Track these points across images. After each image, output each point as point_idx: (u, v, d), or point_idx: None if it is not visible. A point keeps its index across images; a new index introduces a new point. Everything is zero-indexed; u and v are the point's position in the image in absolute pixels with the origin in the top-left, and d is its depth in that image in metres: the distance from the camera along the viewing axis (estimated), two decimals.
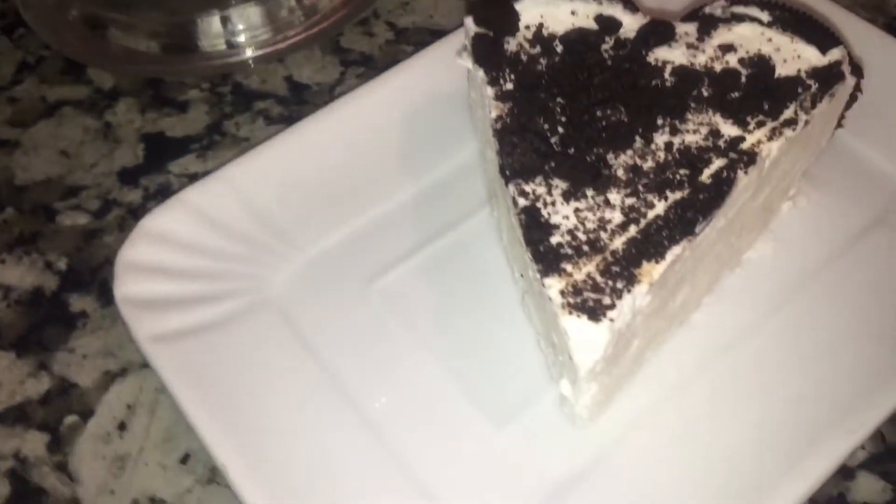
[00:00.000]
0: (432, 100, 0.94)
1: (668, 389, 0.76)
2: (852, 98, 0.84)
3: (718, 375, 0.77)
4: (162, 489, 0.76)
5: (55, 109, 1.03)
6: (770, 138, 0.74)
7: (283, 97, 1.04)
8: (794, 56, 0.79)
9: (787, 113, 0.75)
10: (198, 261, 0.84)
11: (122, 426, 0.80)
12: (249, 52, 1.07)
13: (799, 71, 0.78)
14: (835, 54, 0.78)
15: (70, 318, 0.86)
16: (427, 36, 1.05)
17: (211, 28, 1.07)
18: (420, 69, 0.93)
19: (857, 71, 0.79)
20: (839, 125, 0.87)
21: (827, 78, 0.77)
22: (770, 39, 0.80)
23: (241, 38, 1.08)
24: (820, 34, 0.80)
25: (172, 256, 0.83)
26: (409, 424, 0.74)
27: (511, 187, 0.70)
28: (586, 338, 0.62)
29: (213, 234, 0.85)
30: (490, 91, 0.77)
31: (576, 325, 0.62)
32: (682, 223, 0.68)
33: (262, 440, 0.74)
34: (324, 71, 1.07)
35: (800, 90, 0.76)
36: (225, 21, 1.07)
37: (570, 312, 0.62)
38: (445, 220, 0.89)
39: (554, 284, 0.65)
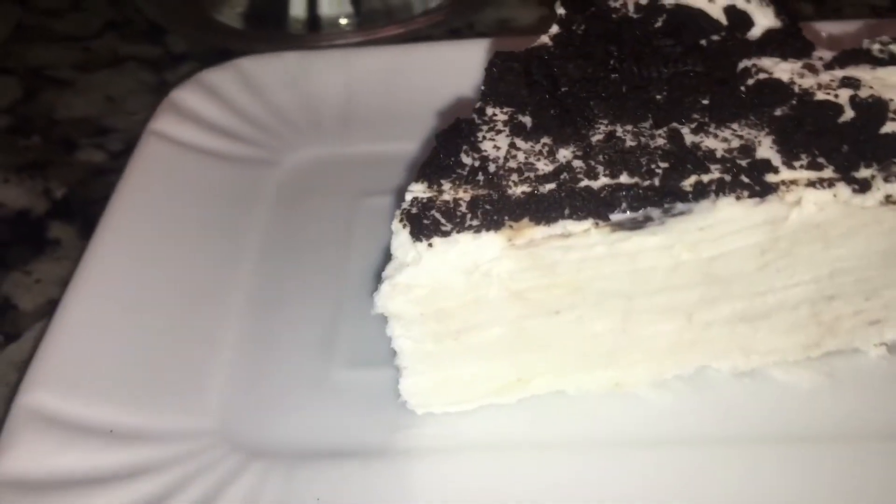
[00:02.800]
0: None
1: (547, 440, 0.62)
2: None
3: (621, 464, 0.61)
4: None
5: (121, 63, 1.06)
6: (813, 185, 0.56)
7: None
8: None
9: (863, 172, 0.56)
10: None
11: None
12: (326, 41, 1.04)
13: None
14: None
15: (42, 243, 0.83)
16: None
17: (296, 9, 1.07)
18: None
19: None
20: None
21: None
22: None
23: (325, 26, 1.07)
24: None
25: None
26: (257, 318, 0.71)
27: (478, 104, 0.61)
28: (401, 254, 0.54)
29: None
30: (555, 29, 0.68)
31: (399, 235, 0.53)
32: (604, 203, 0.54)
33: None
34: None
35: None
36: (312, 5, 1.06)
37: (401, 220, 0.53)
38: None
39: (416, 190, 0.55)
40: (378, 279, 0.55)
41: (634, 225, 0.54)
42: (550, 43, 0.67)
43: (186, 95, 0.86)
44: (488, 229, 0.52)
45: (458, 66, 0.88)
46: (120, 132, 0.94)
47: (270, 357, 0.68)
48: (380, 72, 0.90)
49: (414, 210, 0.53)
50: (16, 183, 0.89)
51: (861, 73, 0.63)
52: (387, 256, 0.55)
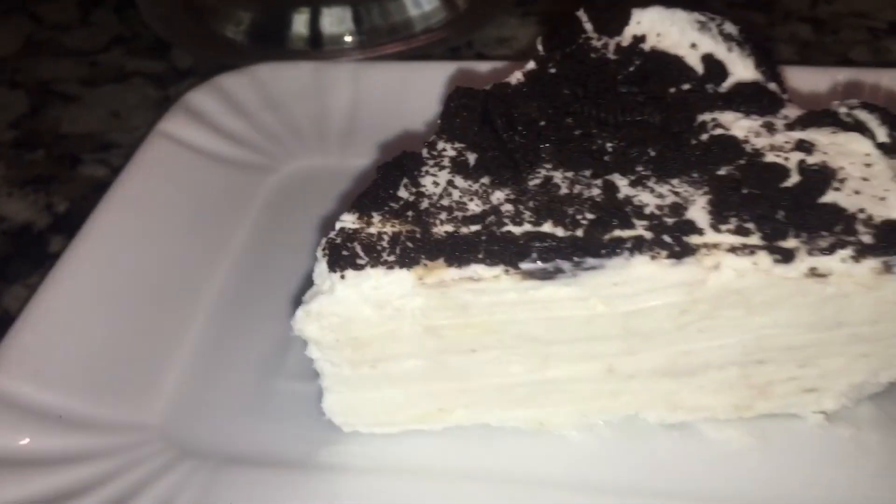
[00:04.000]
0: None
1: (467, 472, 0.63)
2: None
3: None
4: None
5: (127, 78, 1.09)
6: (735, 251, 0.54)
7: None
8: (877, 196, 0.57)
9: (789, 242, 0.55)
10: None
11: None
12: (329, 58, 1.06)
13: (862, 211, 0.56)
14: None
15: (42, 258, 0.85)
16: None
17: (298, 26, 1.09)
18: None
19: None
20: None
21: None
22: (869, 165, 0.59)
23: (327, 42, 1.08)
24: None
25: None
26: (220, 322, 0.74)
27: (432, 137, 0.63)
28: (319, 282, 0.56)
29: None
30: (531, 65, 0.69)
31: (320, 263, 0.55)
32: (518, 251, 0.54)
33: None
34: None
35: (837, 228, 0.55)
36: (314, 23, 1.09)
37: (324, 249, 0.55)
38: None
39: (346, 221, 0.56)
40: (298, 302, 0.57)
41: (545, 275, 0.54)
42: (523, 79, 0.67)
43: (200, 98, 0.89)
44: (401, 266, 0.54)
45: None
46: (122, 147, 0.97)
47: (224, 361, 0.70)
48: (388, 87, 0.92)
49: (338, 240, 0.55)
50: (19, 197, 0.92)
51: (820, 136, 0.61)
52: (309, 281, 0.56)
